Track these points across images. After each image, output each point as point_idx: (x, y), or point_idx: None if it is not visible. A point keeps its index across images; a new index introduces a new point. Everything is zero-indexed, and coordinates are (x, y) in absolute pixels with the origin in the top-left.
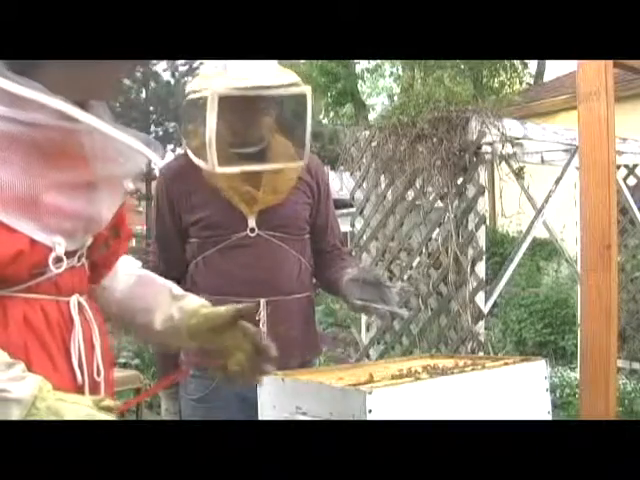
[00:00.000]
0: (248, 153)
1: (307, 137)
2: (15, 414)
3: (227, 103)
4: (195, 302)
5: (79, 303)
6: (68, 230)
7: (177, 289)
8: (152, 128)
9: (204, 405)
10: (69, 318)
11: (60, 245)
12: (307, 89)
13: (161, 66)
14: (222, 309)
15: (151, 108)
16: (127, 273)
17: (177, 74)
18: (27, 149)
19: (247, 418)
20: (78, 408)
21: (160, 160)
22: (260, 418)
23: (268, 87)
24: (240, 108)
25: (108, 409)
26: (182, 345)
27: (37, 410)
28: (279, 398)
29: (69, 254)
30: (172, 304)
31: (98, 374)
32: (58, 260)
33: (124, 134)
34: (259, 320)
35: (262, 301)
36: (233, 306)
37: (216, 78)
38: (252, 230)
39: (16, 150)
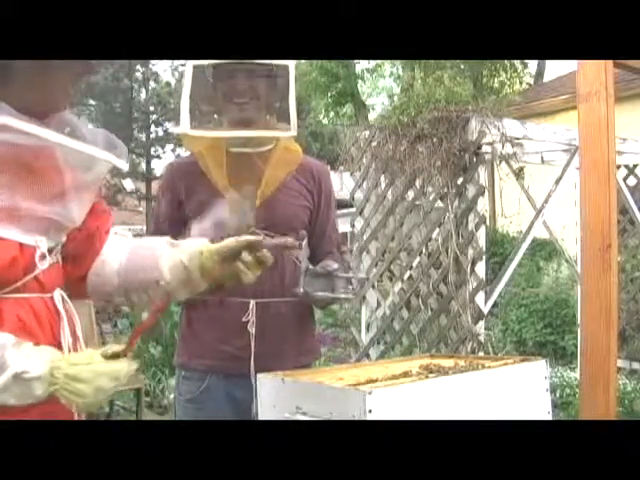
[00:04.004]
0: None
1: (291, 109)
2: (39, 389)
3: (200, 72)
4: (197, 243)
5: (62, 296)
6: (45, 229)
7: (173, 240)
8: (152, 128)
9: (195, 405)
10: (55, 311)
11: (42, 242)
12: (290, 62)
13: (161, 66)
14: (231, 241)
15: (151, 108)
16: (121, 244)
17: (177, 74)
18: (10, 166)
19: (238, 418)
20: (94, 367)
21: (125, 165)
22: (260, 418)
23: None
24: (211, 78)
25: (116, 356)
26: (192, 289)
27: (56, 379)
28: (279, 398)
29: (48, 251)
30: (176, 252)
31: None
32: (42, 257)
33: (85, 145)
34: (250, 318)
35: (252, 302)
36: (240, 238)
37: None
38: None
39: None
